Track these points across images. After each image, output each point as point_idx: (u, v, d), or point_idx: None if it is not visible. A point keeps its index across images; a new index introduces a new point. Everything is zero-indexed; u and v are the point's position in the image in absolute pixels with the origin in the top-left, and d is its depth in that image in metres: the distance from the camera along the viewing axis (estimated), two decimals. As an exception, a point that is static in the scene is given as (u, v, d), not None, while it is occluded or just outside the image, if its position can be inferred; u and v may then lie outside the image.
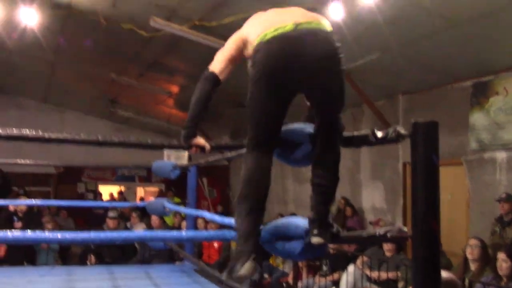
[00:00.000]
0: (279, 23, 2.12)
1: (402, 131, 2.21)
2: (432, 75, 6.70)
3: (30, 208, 8.60)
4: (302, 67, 2.07)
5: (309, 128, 2.38)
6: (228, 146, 2.71)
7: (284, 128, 2.39)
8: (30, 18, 7.25)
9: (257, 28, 2.18)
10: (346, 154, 9.72)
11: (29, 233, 2.27)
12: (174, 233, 2.52)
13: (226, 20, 6.03)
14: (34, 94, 13.74)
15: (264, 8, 2.34)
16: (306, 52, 2.06)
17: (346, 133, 2.42)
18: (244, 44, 2.26)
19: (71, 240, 2.22)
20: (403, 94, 7.70)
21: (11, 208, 7.67)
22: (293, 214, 9.66)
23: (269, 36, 2.09)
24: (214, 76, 2.21)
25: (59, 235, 2.31)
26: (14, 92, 13.97)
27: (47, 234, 2.50)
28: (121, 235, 2.18)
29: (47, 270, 5.61)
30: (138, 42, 7.83)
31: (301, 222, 2.33)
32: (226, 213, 12.97)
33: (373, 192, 8.52)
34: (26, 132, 2.14)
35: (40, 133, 2.31)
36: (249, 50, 2.19)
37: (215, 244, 8.25)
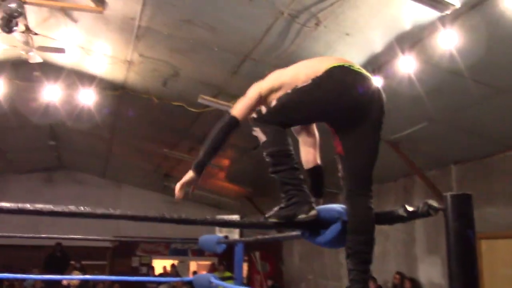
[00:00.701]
0: (340, 60, 2.34)
1: (434, 204, 2.12)
2: (483, 143, 6.50)
3: (85, 282, 8.75)
4: (368, 106, 2.24)
5: (338, 207, 2.34)
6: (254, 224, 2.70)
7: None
8: (88, 99, 7.72)
9: (310, 66, 2.36)
10: (399, 227, 9.33)
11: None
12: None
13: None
14: (93, 170, 14.34)
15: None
16: (374, 96, 2.26)
17: (376, 210, 2.35)
18: (270, 92, 2.40)
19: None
20: (456, 164, 7.47)
21: (65, 282, 7.83)
22: (347, 289, 9.28)
23: (354, 68, 2.28)
24: (236, 121, 2.34)
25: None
26: (75, 168, 14.67)
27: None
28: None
29: None
30: (188, 118, 8.12)
31: None
32: (278, 287, 12.66)
33: (430, 267, 8.09)
34: (86, 209, 2.21)
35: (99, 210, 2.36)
36: (301, 80, 2.31)
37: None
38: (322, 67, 2.32)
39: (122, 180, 14.87)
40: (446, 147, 7.08)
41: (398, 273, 8.37)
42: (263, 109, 2.29)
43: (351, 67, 2.31)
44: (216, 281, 5.82)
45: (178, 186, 2.28)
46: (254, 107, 2.37)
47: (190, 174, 2.28)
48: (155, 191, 14.66)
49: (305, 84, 2.28)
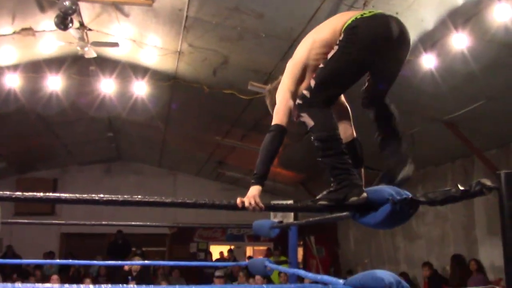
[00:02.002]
0: (349, 14, 2.40)
1: (488, 183, 2.06)
2: (546, 120, 6.21)
3: (145, 267, 9.07)
4: (398, 42, 2.34)
5: (388, 189, 2.33)
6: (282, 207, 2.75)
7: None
8: (142, 90, 7.94)
9: (330, 24, 2.43)
10: (458, 210, 9.11)
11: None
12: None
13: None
14: (149, 160, 14.75)
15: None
16: (400, 30, 2.33)
17: (429, 193, 2.30)
18: (297, 82, 2.46)
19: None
20: (517, 142, 7.18)
21: (126, 268, 8.16)
22: (404, 273, 9.16)
23: (366, 15, 2.34)
24: (284, 128, 2.39)
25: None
26: (132, 158, 15.14)
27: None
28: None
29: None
30: (239, 105, 8.19)
31: (384, 274, 2.21)
32: (337, 273, 12.65)
33: (492, 249, 7.84)
34: (145, 198, 2.32)
35: (157, 198, 2.45)
36: (327, 39, 2.38)
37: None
38: (337, 28, 2.38)
39: (177, 168, 15.22)
40: (506, 125, 6.80)
41: (455, 256, 8.14)
42: (306, 93, 2.33)
43: (364, 15, 2.35)
44: (271, 265, 5.90)
45: (252, 202, 2.23)
46: (291, 106, 2.40)
47: (256, 188, 2.27)
48: (209, 178, 14.93)
49: (333, 52, 2.32)
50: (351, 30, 2.30)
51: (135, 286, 5.71)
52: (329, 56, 2.34)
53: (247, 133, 9.92)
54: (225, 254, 14.82)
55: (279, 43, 6.00)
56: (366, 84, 2.52)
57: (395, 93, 2.61)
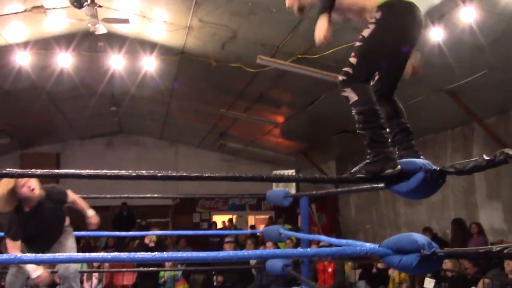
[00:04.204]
0: None
1: (511, 152, 2.28)
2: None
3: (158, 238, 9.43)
4: (420, 34, 2.60)
5: (420, 161, 2.53)
6: (335, 179, 2.94)
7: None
8: (149, 65, 8.06)
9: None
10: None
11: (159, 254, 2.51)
12: (297, 251, 2.73)
13: (327, 51, 6.31)
14: (150, 132, 14.91)
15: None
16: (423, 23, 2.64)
17: (456, 163, 2.50)
18: None
19: (195, 259, 2.43)
20: (516, 109, 7.43)
21: (147, 240, 8.49)
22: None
23: None
24: None
25: (185, 254, 2.62)
26: (134, 131, 15.29)
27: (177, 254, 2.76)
28: (238, 254, 2.39)
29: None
30: (245, 78, 8.35)
31: (418, 237, 2.43)
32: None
33: (491, 213, 8.18)
34: (146, 172, 2.42)
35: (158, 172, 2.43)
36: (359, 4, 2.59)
37: (329, 269, 8.38)
38: (367, 4, 2.56)
39: (179, 140, 15.40)
40: (507, 94, 7.04)
41: (455, 220, 8.44)
42: (348, 69, 2.50)
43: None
44: (285, 232, 6.19)
45: (323, 28, 2.49)
46: None
47: (325, 17, 2.51)
48: (212, 150, 15.14)
49: (369, 30, 2.49)
50: (389, 7, 2.48)
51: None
52: (365, 34, 2.50)
53: (251, 105, 10.10)
54: (227, 223, 15.17)
55: (289, 18, 6.10)
56: (377, 77, 2.70)
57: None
